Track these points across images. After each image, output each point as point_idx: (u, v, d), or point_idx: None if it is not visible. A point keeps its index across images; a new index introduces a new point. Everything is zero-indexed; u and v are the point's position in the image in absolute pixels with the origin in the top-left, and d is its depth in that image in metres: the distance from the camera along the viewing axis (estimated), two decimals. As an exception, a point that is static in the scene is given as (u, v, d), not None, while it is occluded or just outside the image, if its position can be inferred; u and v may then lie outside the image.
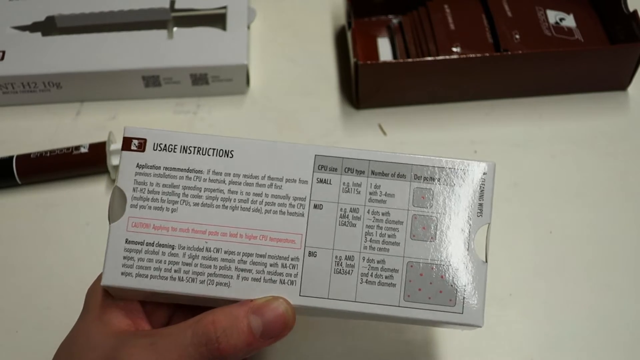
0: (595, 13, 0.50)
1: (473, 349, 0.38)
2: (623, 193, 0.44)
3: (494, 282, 0.40)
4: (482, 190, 0.30)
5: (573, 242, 0.42)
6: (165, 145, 0.30)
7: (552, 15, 0.49)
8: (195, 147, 0.30)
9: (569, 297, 0.40)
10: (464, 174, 0.30)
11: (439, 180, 0.30)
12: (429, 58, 0.45)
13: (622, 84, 0.49)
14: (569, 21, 0.49)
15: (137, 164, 0.30)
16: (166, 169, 0.30)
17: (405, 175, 0.30)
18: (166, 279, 0.29)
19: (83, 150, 0.45)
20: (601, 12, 0.50)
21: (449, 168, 0.30)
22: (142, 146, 0.30)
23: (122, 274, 0.29)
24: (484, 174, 0.30)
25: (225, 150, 0.30)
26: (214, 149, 0.30)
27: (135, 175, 0.30)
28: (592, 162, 0.46)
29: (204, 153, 0.30)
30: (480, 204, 0.30)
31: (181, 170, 0.30)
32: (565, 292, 0.40)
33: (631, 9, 0.47)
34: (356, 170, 0.30)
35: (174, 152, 0.30)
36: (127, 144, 0.30)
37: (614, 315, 0.39)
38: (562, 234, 0.42)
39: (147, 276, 0.29)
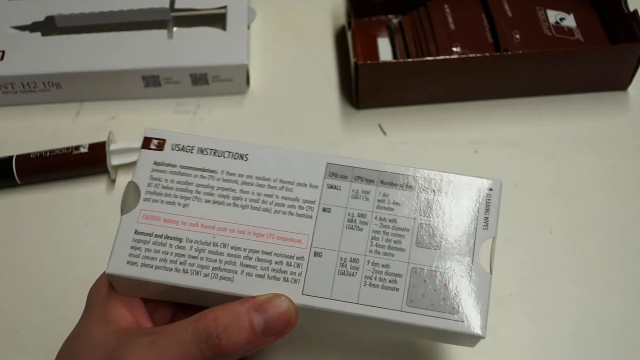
0: (595, 13, 0.50)
1: (473, 349, 0.38)
2: (623, 193, 0.44)
3: (494, 282, 0.40)
4: (488, 205, 0.30)
5: (573, 242, 0.42)
6: (184, 146, 0.31)
7: (553, 15, 0.49)
8: (212, 149, 0.31)
9: (569, 297, 0.40)
10: (470, 188, 0.31)
11: (446, 194, 0.31)
12: (429, 58, 0.45)
13: (622, 84, 0.49)
14: (569, 21, 0.49)
15: (155, 161, 0.31)
16: (182, 167, 0.31)
17: (414, 186, 0.31)
18: (171, 270, 0.29)
19: (83, 150, 0.45)
20: (601, 12, 0.50)
21: (456, 182, 0.31)
22: (161, 146, 0.31)
23: (128, 262, 0.29)
24: (489, 189, 0.31)
25: (241, 154, 0.31)
26: (229, 152, 0.31)
27: (152, 171, 0.31)
28: (592, 162, 0.46)
29: (219, 155, 0.31)
30: (486, 218, 0.30)
31: (196, 169, 0.31)
32: (566, 292, 0.40)
33: (631, 9, 0.47)
34: (366, 179, 0.31)
35: (191, 152, 0.31)
36: (146, 143, 0.31)
37: (614, 315, 0.39)
38: (562, 234, 0.42)
39: (152, 266, 0.29)
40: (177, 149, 0.31)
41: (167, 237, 0.30)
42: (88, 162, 0.45)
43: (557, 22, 0.49)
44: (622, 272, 0.41)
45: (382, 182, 0.31)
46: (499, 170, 0.45)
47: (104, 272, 0.30)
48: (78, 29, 0.50)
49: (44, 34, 0.49)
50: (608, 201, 0.44)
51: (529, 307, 0.39)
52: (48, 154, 0.45)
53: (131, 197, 0.31)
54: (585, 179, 0.45)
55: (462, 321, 0.29)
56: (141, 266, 0.29)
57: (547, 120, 0.48)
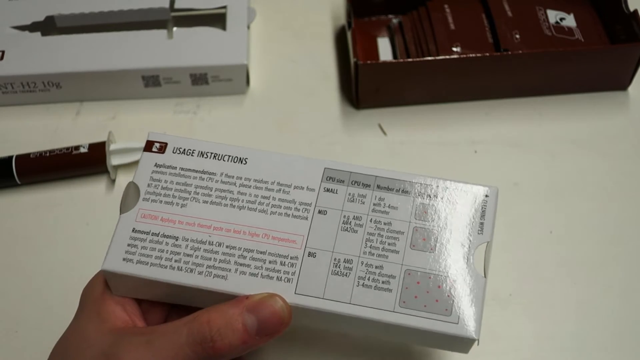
0: (595, 13, 0.50)
1: (473, 349, 0.38)
2: (623, 193, 0.44)
3: (494, 282, 0.40)
4: (483, 211, 0.31)
5: (573, 242, 0.42)
6: (184, 149, 0.32)
7: (553, 15, 0.49)
8: (212, 153, 0.32)
9: (569, 297, 0.40)
10: (467, 194, 0.31)
11: (442, 199, 0.31)
12: (429, 58, 0.45)
13: (622, 84, 0.49)
14: (569, 21, 0.49)
15: (156, 163, 0.32)
16: (182, 169, 0.32)
17: (410, 191, 0.31)
18: (165, 267, 0.30)
19: (83, 150, 0.45)
20: (601, 12, 0.50)
21: (453, 189, 0.31)
22: (162, 149, 0.32)
23: (124, 259, 0.30)
24: (485, 196, 0.31)
25: (240, 158, 0.32)
26: (229, 156, 0.32)
27: (152, 173, 0.32)
28: (592, 162, 0.46)
29: (219, 158, 0.32)
30: (482, 223, 0.30)
31: (196, 171, 0.32)
32: (565, 292, 0.40)
33: (631, 9, 0.47)
34: (362, 183, 0.31)
35: (192, 155, 0.32)
36: (149, 146, 0.32)
37: (614, 315, 0.39)
38: (562, 234, 0.42)
39: (147, 264, 0.30)
40: (178, 152, 0.32)
41: (164, 236, 0.30)
42: (88, 162, 0.45)
43: (557, 22, 0.49)
44: (622, 272, 0.41)
45: (378, 186, 0.31)
46: (499, 170, 0.45)
47: (99, 272, 0.31)
48: (78, 29, 0.50)
49: (44, 34, 0.49)
50: (608, 201, 0.44)
51: (529, 307, 0.39)
52: (48, 154, 0.45)
53: (131, 198, 0.31)
54: (585, 179, 0.45)
55: (456, 323, 0.29)
56: (137, 263, 0.30)
57: (547, 120, 0.48)
